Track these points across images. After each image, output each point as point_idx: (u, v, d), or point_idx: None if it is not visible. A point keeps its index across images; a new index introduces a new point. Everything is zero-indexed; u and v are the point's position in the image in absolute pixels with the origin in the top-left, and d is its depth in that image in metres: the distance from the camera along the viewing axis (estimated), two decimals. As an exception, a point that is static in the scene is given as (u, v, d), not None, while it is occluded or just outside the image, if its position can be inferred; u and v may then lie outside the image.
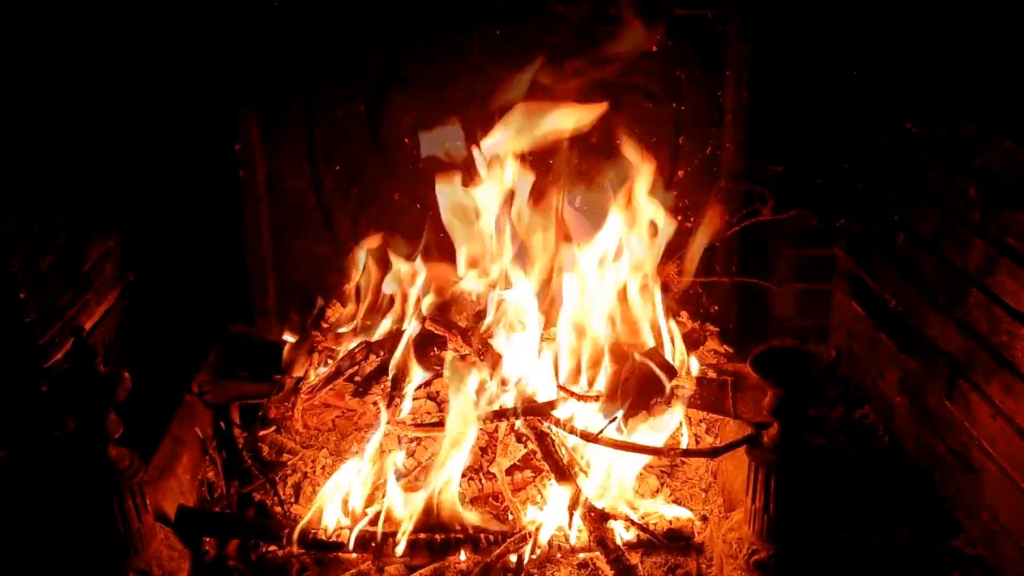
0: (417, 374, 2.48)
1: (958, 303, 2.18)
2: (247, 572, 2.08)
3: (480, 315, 2.66)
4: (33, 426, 2.20)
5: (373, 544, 2.08)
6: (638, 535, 2.14)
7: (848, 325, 2.84)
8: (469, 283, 2.72)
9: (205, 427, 2.49)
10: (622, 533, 2.14)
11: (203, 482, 2.38)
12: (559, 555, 2.12)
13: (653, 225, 2.63)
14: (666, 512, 2.24)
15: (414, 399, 2.46)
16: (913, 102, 2.40)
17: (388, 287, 2.74)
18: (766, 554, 1.91)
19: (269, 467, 2.40)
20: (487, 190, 2.63)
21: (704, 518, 2.27)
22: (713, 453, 2.15)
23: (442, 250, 2.77)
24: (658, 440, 2.30)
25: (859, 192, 2.74)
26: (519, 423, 2.32)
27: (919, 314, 2.38)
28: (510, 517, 2.20)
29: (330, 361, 2.61)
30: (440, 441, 2.25)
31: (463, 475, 2.30)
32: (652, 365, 2.36)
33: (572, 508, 2.13)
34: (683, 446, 2.44)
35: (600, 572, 2.08)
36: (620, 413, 2.30)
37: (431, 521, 2.13)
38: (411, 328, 2.59)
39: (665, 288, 2.70)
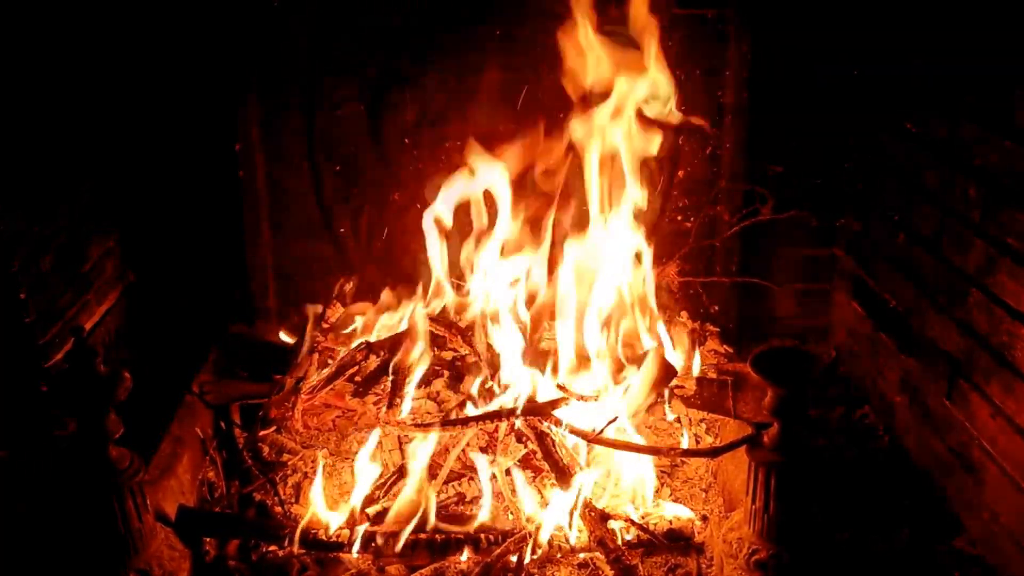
0: (417, 374, 2.48)
1: (958, 303, 2.18)
2: (247, 572, 2.08)
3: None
4: (33, 426, 2.20)
5: (373, 544, 2.08)
6: (638, 535, 2.14)
7: (848, 325, 2.85)
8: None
9: (205, 427, 2.49)
10: (622, 533, 2.14)
11: (203, 482, 2.37)
12: (559, 555, 2.12)
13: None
14: (666, 512, 2.24)
15: (414, 399, 2.46)
16: (913, 102, 2.41)
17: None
18: (766, 554, 1.91)
19: (269, 467, 2.40)
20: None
21: (704, 518, 2.27)
22: (713, 453, 2.15)
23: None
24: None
25: (859, 192, 2.74)
26: (519, 423, 2.31)
27: (919, 314, 2.38)
28: (510, 517, 2.20)
29: (330, 361, 2.61)
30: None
31: (463, 475, 2.30)
32: (657, 361, 2.36)
33: (572, 508, 2.13)
34: (683, 446, 2.44)
35: (600, 572, 2.08)
36: (625, 409, 2.30)
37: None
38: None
39: (666, 288, 2.70)
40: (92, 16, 2.52)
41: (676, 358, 2.57)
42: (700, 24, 2.71)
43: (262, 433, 2.49)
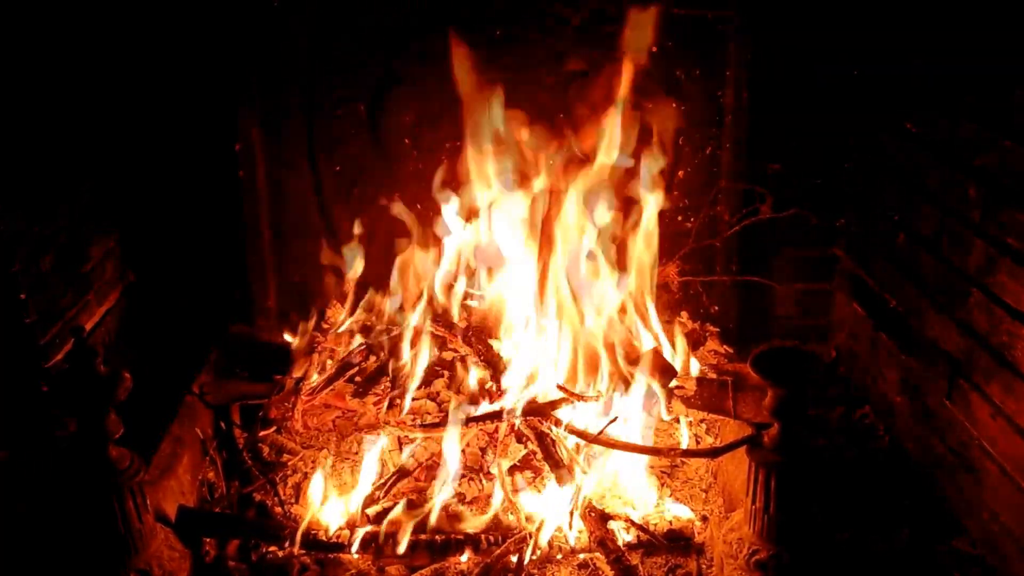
0: (417, 375, 2.48)
1: (958, 303, 2.18)
2: (247, 572, 2.08)
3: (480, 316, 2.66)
4: (34, 426, 2.20)
5: (374, 544, 2.08)
6: (638, 535, 2.15)
7: (848, 325, 2.85)
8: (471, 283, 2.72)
9: (205, 427, 2.49)
10: (622, 534, 2.14)
11: (203, 482, 2.37)
12: (559, 556, 2.12)
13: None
14: (666, 512, 2.25)
15: (414, 399, 2.46)
16: (913, 102, 2.41)
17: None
18: (766, 554, 1.91)
19: (269, 467, 2.40)
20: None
21: (704, 518, 2.27)
22: (713, 453, 2.15)
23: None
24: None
25: (859, 192, 2.74)
26: (519, 423, 2.31)
27: (919, 314, 2.38)
28: (510, 517, 2.20)
29: (330, 362, 2.61)
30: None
31: (463, 476, 2.30)
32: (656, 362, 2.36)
33: (572, 509, 2.13)
34: (683, 446, 2.44)
35: (600, 572, 2.08)
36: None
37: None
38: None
39: (665, 288, 2.70)
40: (92, 16, 2.52)
41: (674, 358, 2.57)
42: (700, 24, 2.71)
43: (262, 433, 2.49)
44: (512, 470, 2.32)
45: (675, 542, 2.15)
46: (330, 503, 2.22)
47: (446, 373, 2.59)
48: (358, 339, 2.66)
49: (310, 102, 2.79)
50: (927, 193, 2.33)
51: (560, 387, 2.37)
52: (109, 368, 1.83)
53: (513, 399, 2.35)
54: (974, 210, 2.11)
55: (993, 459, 2.06)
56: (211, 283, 2.89)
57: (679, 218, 2.91)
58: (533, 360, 2.47)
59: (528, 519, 2.16)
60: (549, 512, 2.16)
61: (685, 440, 2.48)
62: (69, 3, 2.44)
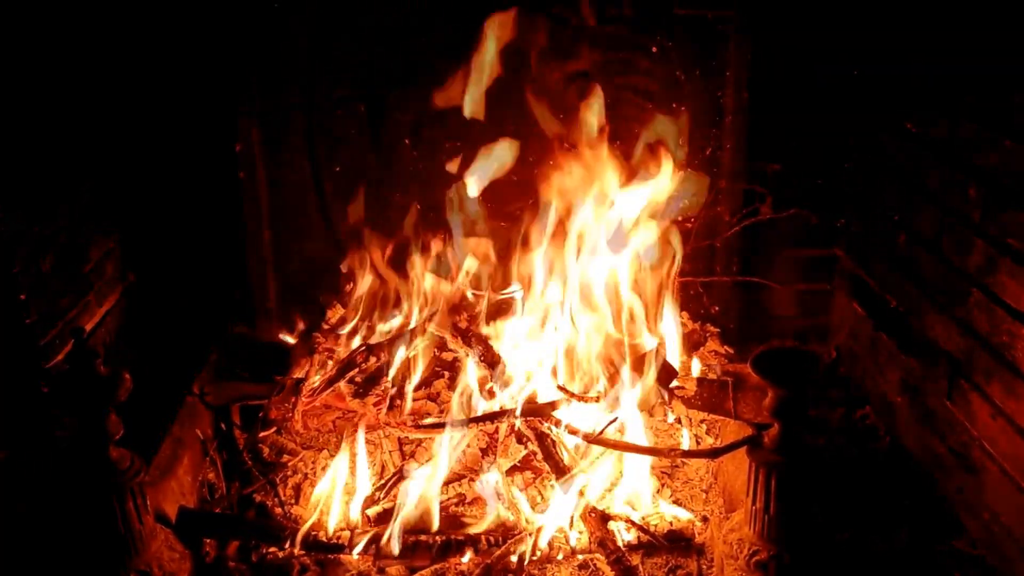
0: (417, 375, 2.48)
1: (958, 303, 2.18)
2: (248, 573, 2.08)
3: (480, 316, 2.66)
4: (34, 427, 2.20)
5: (374, 545, 2.08)
6: (639, 536, 2.15)
7: (849, 325, 2.84)
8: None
9: (206, 428, 2.49)
10: (623, 534, 2.14)
11: (204, 483, 2.37)
12: (560, 556, 2.12)
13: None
14: (667, 513, 2.25)
15: (414, 400, 2.46)
16: (913, 102, 2.40)
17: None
18: (767, 555, 1.91)
19: (270, 468, 2.40)
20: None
21: (705, 519, 2.27)
22: (714, 454, 2.15)
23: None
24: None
25: (859, 192, 2.74)
26: (519, 424, 2.31)
27: (920, 314, 2.38)
28: (511, 518, 2.20)
29: (330, 362, 2.61)
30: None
31: (463, 476, 2.30)
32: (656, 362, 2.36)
33: (572, 509, 2.13)
34: (684, 447, 2.44)
35: (601, 573, 2.08)
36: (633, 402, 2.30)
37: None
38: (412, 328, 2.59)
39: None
40: (92, 16, 2.52)
41: (675, 359, 2.57)
42: (700, 24, 2.71)
43: (262, 434, 2.49)
44: (512, 471, 2.32)
45: (675, 543, 2.15)
46: (333, 504, 2.22)
47: (446, 373, 2.59)
48: (358, 339, 2.66)
49: (310, 102, 2.79)
50: (927, 193, 2.33)
51: (560, 387, 2.37)
52: (109, 369, 1.84)
53: (513, 399, 2.35)
54: (974, 210, 2.11)
55: (993, 459, 2.05)
56: (211, 283, 2.89)
57: (679, 218, 2.90)
58: (533, 360, 2.47)
59: (528, 520, 2.16)
60: (549, 513, 2.16)
61: (685, 440, 2.48)
62: (69, 3, 2.44)
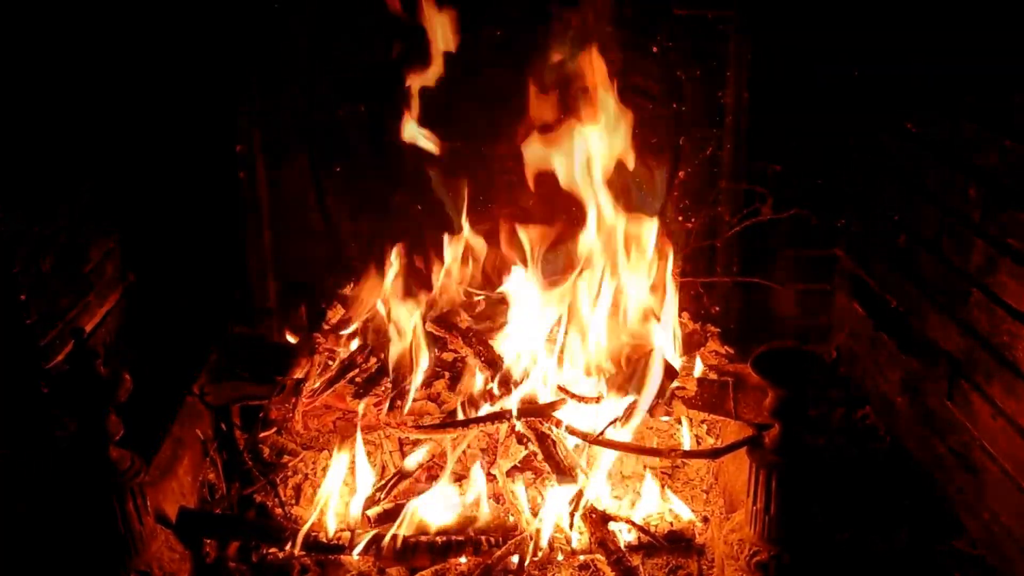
0: (417, 376, 2.48)
1: (959, 303, 2.18)
2: (248, 574, 2.08)
3: (481, 316, 2.66)
4: (34, 427, 2.20)
5: (375, 546, 2.08)
6: (639, 537, 2.14)
7: (849, 325, 2.84)
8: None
9: (206, 428, 2.49)
10: (623, 535, 2.14)
11: (204, 483, 2.37)
12: (560, 557, 2.12)
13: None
14: (667, 513, 2.24)
15: (415, 400, 2.46)
16: (913, 102, 2.40)
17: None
18: (767, 555, 1.91)
19: (270, 468, 2.40)
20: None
21: (705, 519, 2.26)
22: (714, 454, 2.14)
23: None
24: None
25: (859, 192, 2.74)
26: (519, 424, 2.31)
27: (920, 314, 2.38)
28: (511, 519, 2.20)
29: (331, 363, 2.61)
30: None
31: (464, 476, 2.30)
32: (655, 364, 2.36)
33: (573, 509, 2.13)
34: (684, 447, 2.44)
35: (601, 573, 2.08)
36: (622, 410, 2.30)
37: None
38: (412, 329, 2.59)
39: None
40: (92, 16, 2.52)
41: (676, 360, 2.57)
42: (700, 24, 2.70)
43: (263, 434, 2.48)
44: (512, 471, 2.32)
45: (676, 543, 2.15)
46: (333, 504, 2.22)
47: (447, 374, 2.59)
48: (359, 340, 2.66)
49: (310, 102, 2.79)
50: (927, 193, 2.33)
51: (560, 388, 2.37)
52: (109, 369, 1.83)
53: (513, 400, 2.35)
54: (974, 210, 2.11)
55: (994, 459, 2.05)
56: (211, 283, 2.89)
57: (679, 218, 2.91)
58: (534, 360, 2.47)
59: (529, 520, 2.16)
60: (550, 513, 2.16)
61: (686, 441, 2.48)
62: (69, 3, 2.44)
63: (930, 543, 2.14)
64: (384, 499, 2.25)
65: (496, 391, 2.39)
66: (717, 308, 2.95)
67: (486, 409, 2.36)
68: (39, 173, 2.30)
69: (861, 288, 2.75)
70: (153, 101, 2.70)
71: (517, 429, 2.33)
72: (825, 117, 2.71)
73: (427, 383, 2.54)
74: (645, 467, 2.39)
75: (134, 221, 2.78)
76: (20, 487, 2.12)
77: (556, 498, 2.18)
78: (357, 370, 2.56)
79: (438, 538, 2.10)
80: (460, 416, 2.34)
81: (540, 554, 2.09)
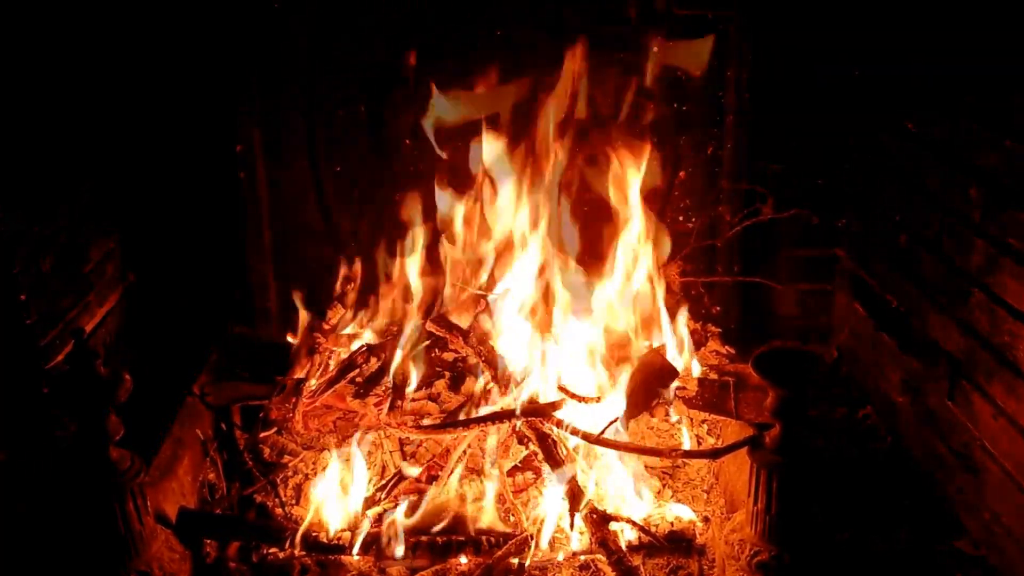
0: (417, 376, 2.48)
1: (959, 303, 2.18)
2: (248, 574, 2.08)
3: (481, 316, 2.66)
4: (34, 427, 2.19)
5: (375, 546, 2.08)
6: (640, 537, 2.14)
7: (850, 325, 2.84)
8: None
9: (206, 428, 2.48)
10: (624, 535, 2.14)
11: (204, 484, 2.37)
12: (560, 557, 2.11)
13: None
14: (668, 513, 2.24)
15: (414, 400, 2.46)
16: (913, 102, 2.40)
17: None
18: (768, 555, 1.90)
19: (270, 469, 2.40)
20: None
21: (706, 519, 2.26)
22: (715, 454, 2.14)
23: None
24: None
25: (860, 192, 2.74)
26: (520, 424, 2.31)
27: (921, 314, 2.37)
28: (511, 519, 2.20)
29: (331, 363, 2.60)
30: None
31: (464, 477, 2.30)
32: (654, 365, 2.35)
33: (574, 510, 2.13)
34: (685, 447, 2.44)
35: (602, 574, 2.08)
36: (621, 412, 2.30)
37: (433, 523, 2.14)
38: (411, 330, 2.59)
39: (667, 288, 2.69)
40: (93, 17, 2.52)
41: (677, 359, 2.57)
42: (700, 24, 2.70)
43: (263, 435, 2.48)
44: (513, 471, 2.32)
45: (677, 543, 2.15)
46: (333, 504, 2.21)
47: (447, 374, 2.59)
48: (359, 340, 2.66)
49: (310, 102, 2.79)
50: (928, 193, 2.33)
51: (561, 388, 2.37)
52: (109, 369, 1.83)
53: (514, 400, 2.35)
54: (975, 210, 2.11)
55: (995, 459, 2.05)
56: (211, 284, 2.89)
57: (680, 218, 2.91)
58: (534, 360, 2.47)
59: (529, 520, 2.16)
60: (550, 513, 2.16)
61: (686, 441, 2.48)
62: (69, 4, 2.43)
63: (930, 543, 2.14)
64: (384, 499, 2.25)
65: (496, 391, 2.39)
66: (718, 308, 2.95)
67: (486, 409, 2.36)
68: (39, 173, 2.30)
69: (862, 288, 2.75)
70: (153, 101, 2.70)
71: (518, 428, 2.33)
72: (825, 117, 2.71)
73: (427, 383, 2.54)
74: (646, 467, 2.38)
75: (134, 221, 2.78)
76: (20, 487, 2.12)
77: (556, 498, 2.17)
78: (357, 370, 2.55)
79: (439, 538, 2.10)
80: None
81: (541, 554, 2.09)
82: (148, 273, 2.84)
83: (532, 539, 2.08)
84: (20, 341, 2.17)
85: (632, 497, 2.26)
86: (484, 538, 2.10)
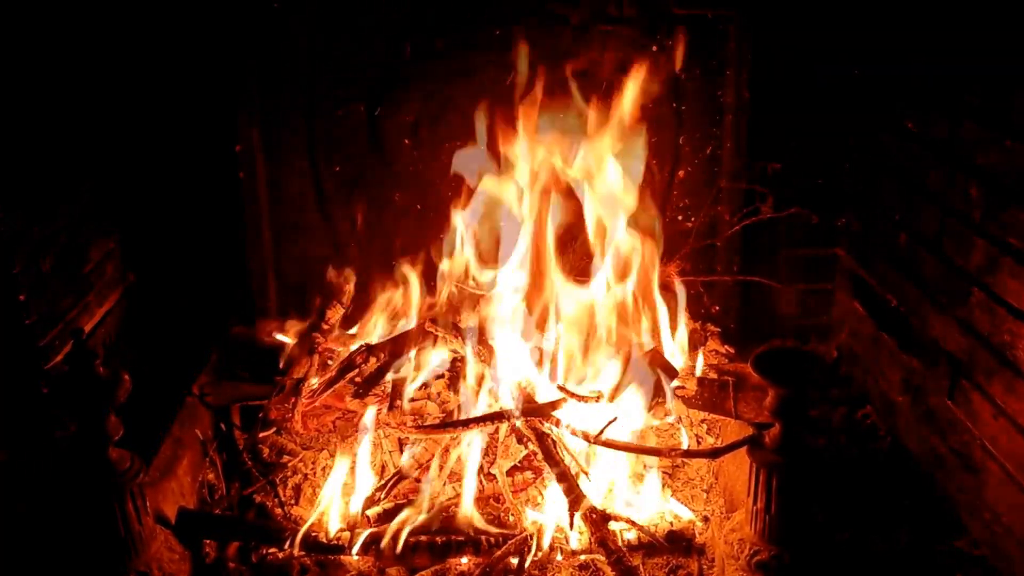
0: (417, 376, 2.48)
1: (960, 303, 2.17)
2: (248, 574, 2.08)
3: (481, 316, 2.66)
4: (34, 428, 2.19)
5: (374, 546, 2.08)
6: (639, 536, 2.14)
7: (850, 325, 2.84)
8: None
9: (205, 429, 2.48)
10: (623, 534, 2.14)
11: (203, 484, 2.37)
12: (560, 557, 2.11)
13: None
14: (667, 513, 2.24)
15: (414, 400, 2.46)
16: (913, 102, 2.40)
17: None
18: (768, 555, 1.90)
19: (269, 469, 2.40)
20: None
21: (706, 519, 2.26)
22: (714, 454, 2.14)
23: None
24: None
25: (860, 192, 2.74)
26: (520, 424, 2.31)
27: (921, 314, 2.37)
28: (511, 519, 2.20)
29: (330, 363, 2.60)
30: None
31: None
32: (653, 365, 2.35)
33: (573, 509, 2.13)
34: (684, 447, 2.44)
35: (601, 573, 2.08)
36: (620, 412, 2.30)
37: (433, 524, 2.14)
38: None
39: (667, 288, 2.69)
40: (93, 17, 2.52)
41: (676, 358, 2.57)
42: (700, 23, 2.70)
43: (262, 435, 2.48)
44: (513, 471, 2.31)
45: (676, 543, 2.15)
46: (333, 504, 2.21)
47: (446, 373, 2.59)
48: (358, 340, 2.66)
49: (310, 102, 2.79)
50: (928, 193, 2.33)
51: (560, 387, 2.37)
52: (109, 370, 1.83)
53: (513, 400, 2.35)
54: (975, 210, 2.11)
55: (995, 459, 2.05)
56: (211, 284, 2.89)
57: (679, 218, 2.91)
58: (534, 360, 2.47)
59: (529, 520, 2.16)
60: (550, 513, 2.15)
61: (686, 440, 2.47)
62: (69, 4, 2.44)
63: (931, 543, 2.14)
64: (384, 499, 2.25)
65: (496, 391, 2.39)
66: (717, 307, 2.95)
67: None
68: (39, 173, 2.30)
69: (862, 287, 2.75)
70: (153, 101, 2.70)
71: (517, 428, 2.33)
72: (825, 117, 2.71)
73: (427, 383, 2.54)
74: (645, 467, 2.38)
75: (134, 221, 2.78)
76: (20, 487, 2.12)
77: (556, 498, 2.17)
78: (356, 370, 2.55)
79: (438, 538, 2.10)
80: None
81: (540, 554, 2.09)
82: (148, 273, 2.84)
83: (532, 539, 2.08)
84: (20, 341, 2.17)
85: (632, 497, 2.26)
86: (484, 538, 2.10)
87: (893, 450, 2.50)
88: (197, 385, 2.55)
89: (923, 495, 2.30)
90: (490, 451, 2.34)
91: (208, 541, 2.12)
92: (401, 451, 2.42)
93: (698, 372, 2.56)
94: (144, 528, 1.93)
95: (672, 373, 2.41)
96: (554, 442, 2.26)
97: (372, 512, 2.20)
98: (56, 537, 1.94)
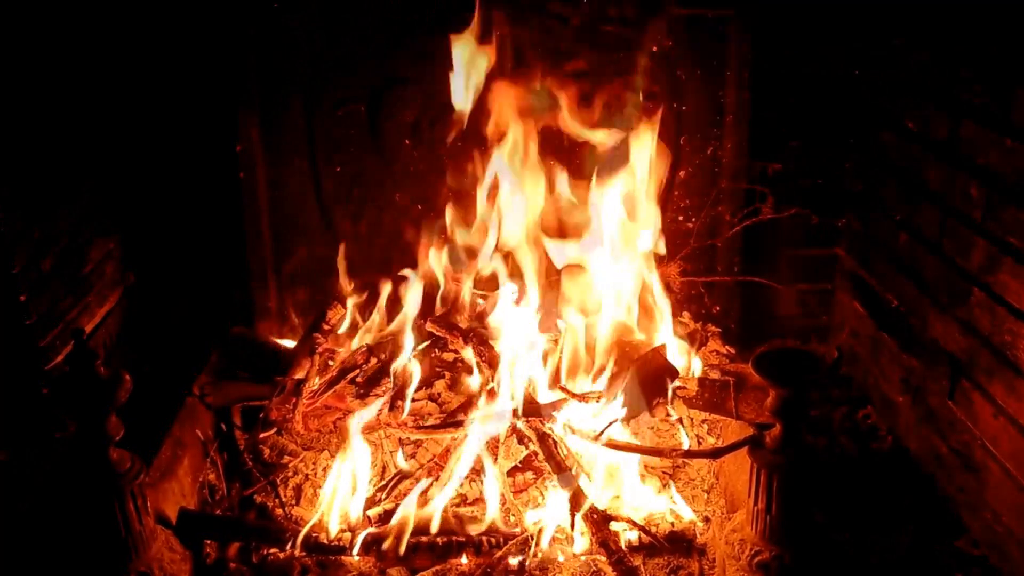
0: (417, 376, 2.48)
1: (960, 303, 2.17)
2: (249, 574, 2.08)
3: (481, 316, 2.65)
4: (34, 428, 2.20)
5: (375, 547, 2.08)
6: (640, 537, 2.14)
7: (850, 325, 2.84)
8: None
9: (206, 429, 2.48)
10: (624, 535, 2.14)
11: (204, 484, 2.37)
12: (561, 557, 2.11)
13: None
14: (668, 513, 2.24)
15: (415, 400, 2.46)
16: (913, 101, 2.40)
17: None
18: (768, 555, 1.90)
19: (270, 469, 2.40)
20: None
21: (706, 519, 2.26)
22: (715, 454, 2.14)
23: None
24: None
25: (860, 192, 2.74)
26: (520, 424, 2.31)
27: (921, 314, 2.37)
28: (512, 519, 2.19)
29: (331, 363, 2.60)
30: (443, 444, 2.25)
31: (464, 477, 2.30)
32: (654, 365, 2.35)
33: (574, 510, 2.13)
34: (685, 447, 2.43)
35: (602, 574, 2.08)
36: (622, 413, 2.30)
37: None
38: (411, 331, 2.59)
39: (667, 288, 2.69)
40: (93, 17, 2.52)
41: (677, 358, 2.56)
42: (700, 24, 2.70)
43: (263, 435, 2.48)
44: (513, 471, 2.31)
45: (677, 543, 2.15)
46: (334, 505, 2.21)
47: (447, 374, 2.59)
48: (359, 340, 2.66)
49: (310, 102, 2.79)
50: (928, 192, 2.33)
51: (561, 387, 2.37)
52: (109, 370, 1.83)
53: (514, 400, 2.35)
54: (975, 209, 2.11)
55: (995, 459, 2.05)
56: (211, 284, 2.89)
57: (680, 218, 2.91)
58: (534, 360, 2.47)
59: (530, 521, 2.16)
60: (551, 513, 2.15)
61: (687, 441, 2.47)
62: (70, 4, 2.44)
63: (931, 543, 2.14)
64: (384, 499, 2.25)
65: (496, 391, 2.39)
66: (718, 307, 2.95)
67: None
68: (39, 174, 2.30)
69: (862, 287, 2.75)
70: (153, 102, 2.70)
71: (518, 428, 2.33)
72: (825, 117, 2.71)
73: (427, 383, 2.53)
74: (646, 467, 2.38)
75: (134, 222, 2.79)
76: (20, 487, 2.12)
77: (557, 498, 2.17)
78: (357, 370, 2.55)
79: (439, 539, 2.10)
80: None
81: (541, 555, 2.09)
82: (148, 273, 2.84)
83: (532, 539, 2.08)
84: (20, 342, 2.17)
85: (632, 497, 2.26)
86: (484, 539, 2.09)
87: (893, 450, 2.50)
88: (197, 385, 2.55)
89: (923, 495, 2.30)
90: (491, 451, 2.34)
91: (209, 541, 2.12)
92: (402, 451, 2.42)
93: (698, 372, 2.56)
94: (145, 528, 1.93)
95: (673, 373, 2.41)
96: (555, 442, 2.26)
97: (373, 512, 2.20)
98: (57, 537, 1.94)
